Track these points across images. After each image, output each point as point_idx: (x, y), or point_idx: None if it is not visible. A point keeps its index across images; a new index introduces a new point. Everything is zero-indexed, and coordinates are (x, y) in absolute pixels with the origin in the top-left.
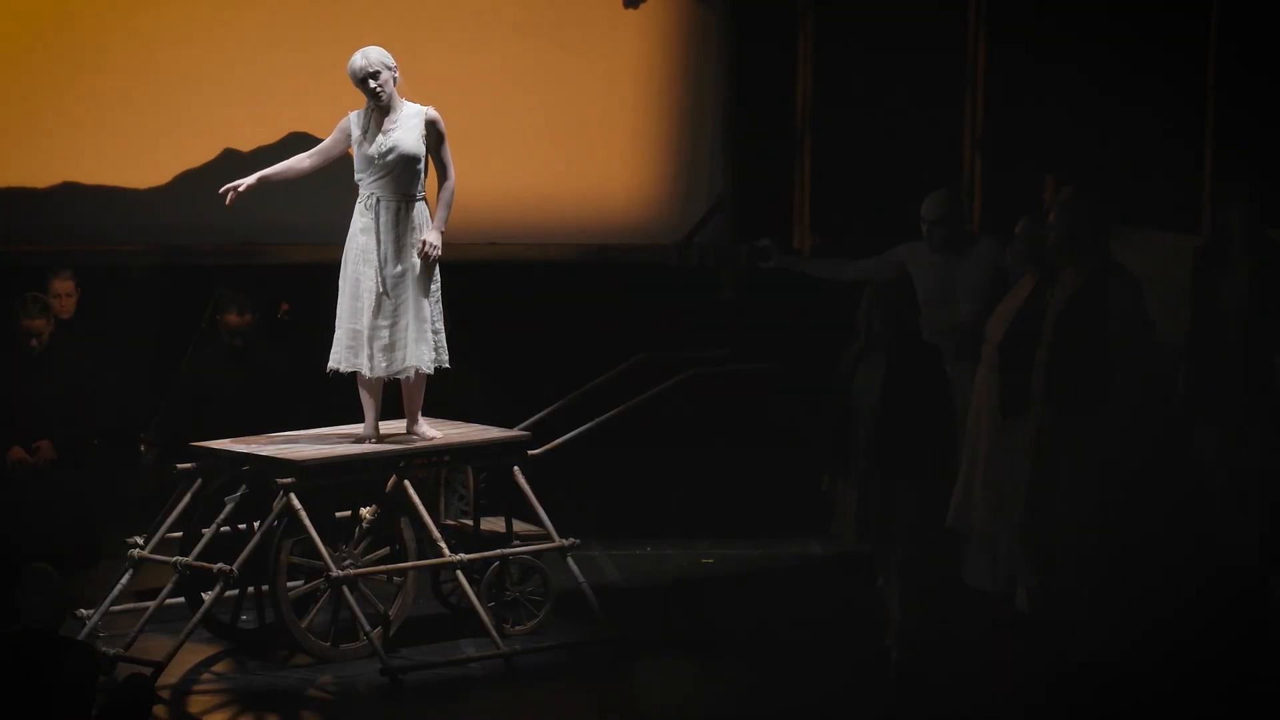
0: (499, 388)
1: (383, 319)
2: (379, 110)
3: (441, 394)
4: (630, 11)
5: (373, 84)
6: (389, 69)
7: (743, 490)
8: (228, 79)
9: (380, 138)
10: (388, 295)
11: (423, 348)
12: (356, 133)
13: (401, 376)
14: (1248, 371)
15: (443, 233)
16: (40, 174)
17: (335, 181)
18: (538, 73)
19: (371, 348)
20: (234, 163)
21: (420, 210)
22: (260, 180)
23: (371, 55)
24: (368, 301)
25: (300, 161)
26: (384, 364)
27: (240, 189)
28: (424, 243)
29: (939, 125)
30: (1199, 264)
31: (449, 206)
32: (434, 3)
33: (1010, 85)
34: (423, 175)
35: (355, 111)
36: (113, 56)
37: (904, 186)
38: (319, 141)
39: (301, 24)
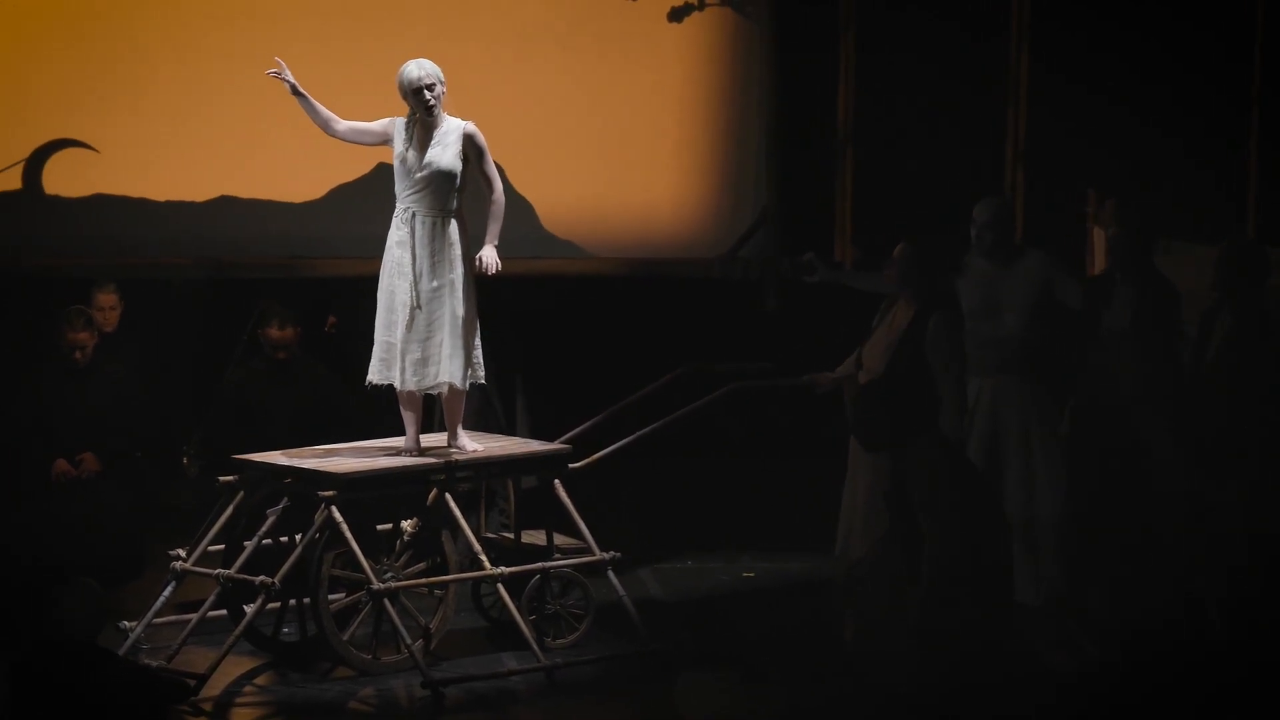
0: (542, 400)
1: (416, 333)
2: (422, 124)
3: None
4: (674, 26)
5: (427, 95)
6: (441, 82)
7: (785, 504)
8: (271, 93)
9: (419, 152)
10: (419, 309)
11: (457, 363)
12: (399, 144)
13: (434, 391)
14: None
15: (497, 246)
16: (83, 186)
17: (381, 194)
18: (583, 87)
19: (404, 361)
20: (231, 174)
21: (456, 226)
22: (300, 96)
23: (427, 65)
24: (401, 315)
25: (334, 122)
26: (415, 378)
27: (284, 73)
28: (479, 259)
29: (981, 138)
30: (1092, 290)
31: (500, 219)
32: (481, 18)
33: (1052, 98)
34: (460, 190)
35: (402, 119)
36: (159, 73)
37: (946, 199)
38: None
39: (347, 40)
